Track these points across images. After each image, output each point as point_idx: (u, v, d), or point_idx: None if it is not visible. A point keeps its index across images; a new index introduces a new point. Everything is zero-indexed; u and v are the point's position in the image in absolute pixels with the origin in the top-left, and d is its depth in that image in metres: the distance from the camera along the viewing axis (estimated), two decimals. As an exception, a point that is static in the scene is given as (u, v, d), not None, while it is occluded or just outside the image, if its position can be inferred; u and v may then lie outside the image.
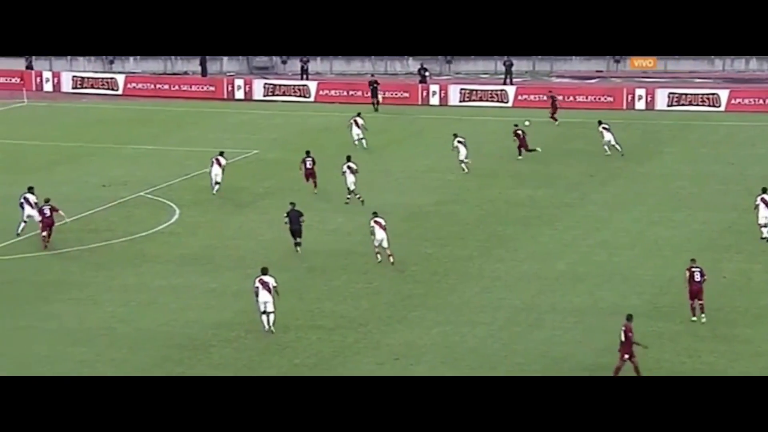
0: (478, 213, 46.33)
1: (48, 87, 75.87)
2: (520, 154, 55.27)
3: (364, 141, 57.08)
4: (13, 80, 75.81)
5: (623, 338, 29.79)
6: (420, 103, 71.14)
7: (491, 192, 49.53)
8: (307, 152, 49.80)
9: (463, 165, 52.51)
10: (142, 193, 49.15)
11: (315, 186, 48.82)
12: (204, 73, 79.86)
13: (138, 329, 33.91)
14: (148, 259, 40.27)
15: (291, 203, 41.58)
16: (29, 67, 78.74)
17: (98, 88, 75.25)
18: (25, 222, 42.33)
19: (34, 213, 42.09)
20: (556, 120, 63.11)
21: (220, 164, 49.16)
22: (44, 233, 41.56)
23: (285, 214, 41.11)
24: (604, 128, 56.22)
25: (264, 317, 33.52)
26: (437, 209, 46.86)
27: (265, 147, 57.61)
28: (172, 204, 47.44)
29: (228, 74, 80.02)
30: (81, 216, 45.48)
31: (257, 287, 33.49)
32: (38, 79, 76.23)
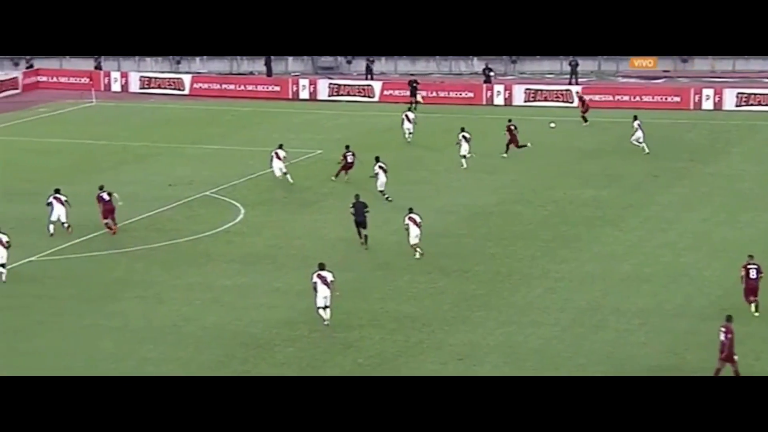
0: (542, 213, 46.13)
1: (116, 87, 76.61)
2: (506, 151, 55.15)
3: (410, 135, 58.23)
4: (83, 80, 76.65)
5: (723, 339, 29.52)
6: (484, 103, 70.97)
7: (555, 192, 49.29)
8: (347, 147, 51.27)
9: (463, 160, 52.86)
10: (207, 193, 49.49)
11: (346, 174, 50.43)
12: (269, 73, 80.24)
13: (203, 328, 34.15)
14: (213, 258, 40.53)
15: (356, 195, 42.22)
16: (98, 67, 79.57)
17: (165, 88, 75.86)
18: (53, 222, 42.85)
19: (63, 212, 42.82)
20: (586, 120, 62.55)
21: (279, 157, 50.46)
22: (106, 220, 43.03)
23: (351, 206, 41.66)
24: (638, 124, 56.04)
25: (322, 312, 33.77)
26: (501, 209, 46.72)
27: (329, 147, 57.74)
28: (236, 203, 47.74)
29: (293, 74, 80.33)
30: (147, 215, 45.88)
31: (315, 282, 33.77)
32: (107, 80, 77.02)
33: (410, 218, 39.95)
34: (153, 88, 75.93)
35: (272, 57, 79.69)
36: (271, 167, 50.86)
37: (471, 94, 71.89)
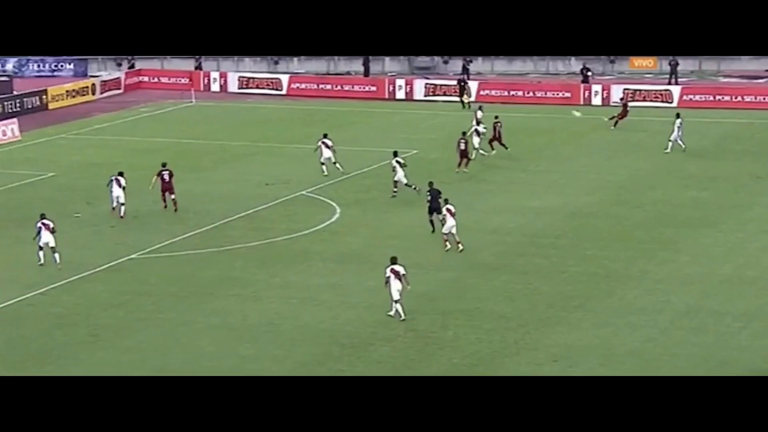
0: (641, 214, 45.63)
1: (215, 87, 77.46)
2: (492, 149, 54.84)
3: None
4: (183, 80, 77.66)
5: None
6: (582, 103, 70.41)
7: (654, 193, 48.74)
8: (464, 133, 52.40)
9: (474, 152, 53.40)
10: (303, 192, 49.79)
11: (467, 165, 51.43)
12: (366, 73, 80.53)
13: (299, 326, 34.35)
14: (309, 257, 40.77)
15: (430, 182, 43.34)
16: (198, 67, 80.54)
17: (263, 88, 76.51)
18: (115, 203, 45.40)
19: (121, 193, 45.41)
20: (615, 125, 61.11)
21: (327, 146, 51.80)
22: (172, 196, 45.86)
23: (427, 191, 42.76)
24: (679, 123, 55.37)
25: (397, 305, 34.13)
26: (598, 210, 46.32)
27: (425, 147, 57.78)
28: (332, 203, 47.97)
29: (389, 74, 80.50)
30: (244, 214, 46.26)
31: (389, 276, 34.23)
32: (206, 80, 77.92)
33: (447, 210, 40.63)
34: (251, 88, 76.62)
35: (370, 57, 79.93)
36: (320, 157, 51.58)
37: (568, 94, 71.40)
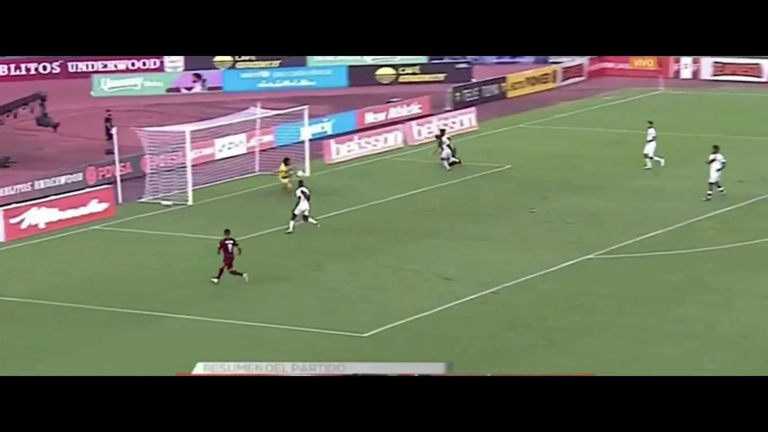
0: None
1: (686, 74, 73.92)
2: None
3: None
4: (650, 66, 74.81)
5: None
6: None
7: None
8: None
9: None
10: (786, 190, 46.00)
11: None
12: None
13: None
14: (787, 263, 37.62)
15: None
16: (670, 53, 77.66)
17: (740, 75, 72.07)
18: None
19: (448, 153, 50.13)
20: None
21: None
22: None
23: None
24: None
25: None
26: None
27: None
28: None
29: None
30: (714, 213, 43.35)
31: None
32: (676, 66, 74.63)
33: None
34: (727, 75, 72.45)
35: None
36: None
37: None
